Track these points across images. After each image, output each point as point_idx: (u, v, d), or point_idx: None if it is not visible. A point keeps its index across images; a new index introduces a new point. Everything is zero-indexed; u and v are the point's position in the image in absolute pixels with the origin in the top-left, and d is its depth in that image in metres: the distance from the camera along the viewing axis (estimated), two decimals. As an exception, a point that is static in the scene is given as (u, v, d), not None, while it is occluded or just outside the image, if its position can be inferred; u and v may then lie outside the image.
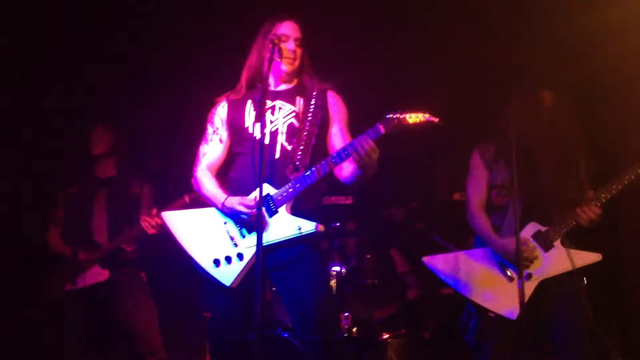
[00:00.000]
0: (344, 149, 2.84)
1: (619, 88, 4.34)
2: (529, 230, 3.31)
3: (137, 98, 4.95)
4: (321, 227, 2.86)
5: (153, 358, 4.08)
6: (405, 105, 2.80)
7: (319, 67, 3.20)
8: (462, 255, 3.44)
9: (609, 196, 3.25)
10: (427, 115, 2.74)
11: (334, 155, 2.87)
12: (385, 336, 4.12)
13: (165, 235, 3.15)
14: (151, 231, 4.00)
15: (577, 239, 3.36)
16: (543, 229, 3.32)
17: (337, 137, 3.08)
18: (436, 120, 2.75)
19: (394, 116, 2.75)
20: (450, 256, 3.45)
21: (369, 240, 4.88)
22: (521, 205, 3.17)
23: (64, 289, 4.11)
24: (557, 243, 3.28)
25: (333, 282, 4.27)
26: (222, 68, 3.50)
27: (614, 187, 3.26)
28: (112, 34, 4.70)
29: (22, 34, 4.59)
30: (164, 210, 3.47)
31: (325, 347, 2.88)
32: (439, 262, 3.42)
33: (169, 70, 4.90)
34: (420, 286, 4.74)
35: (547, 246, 3.29)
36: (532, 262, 3.25)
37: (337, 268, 4.35)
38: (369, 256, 4.45)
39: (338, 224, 4.53)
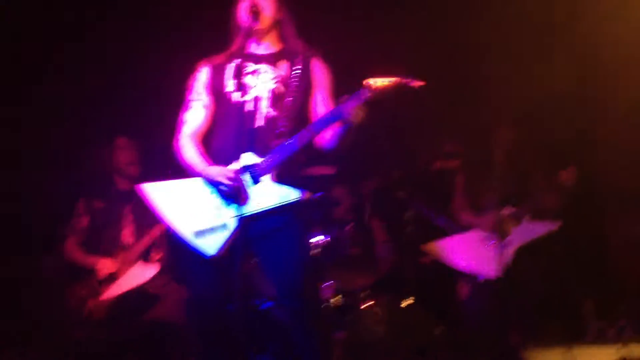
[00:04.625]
0: (326, 115, 2.81)
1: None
2: (506, 210, 4.13)
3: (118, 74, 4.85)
4: (307, 195, 2.84)
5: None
6: (384, 71, 2.76)
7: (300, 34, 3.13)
8: (455, 239, 4.25)
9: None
10: (408, 79, 2.71)
11: (317, 122, 2.83)
12: (368, 304, 4.15)
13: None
14: None
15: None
16: (515, 209, 4.14)
17: (320, 105, 3.04)
18: (418, 83, 2.72)
19: (376, 82, 2.72)
20: (446, 241, 4.24)
21: (351, 210, 4.87)
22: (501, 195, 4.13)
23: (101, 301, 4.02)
24: (526, 218, 4.08)
25: (315, 251, 4.27)
26: (205, 32, 3.42)
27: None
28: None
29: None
30: None
31: (310, 315, 2.89)
32: (439, 248, 4.24)
33: (148, 40, 4.80)
34: (394, 256, 4.77)
35: (518, 221, 4.12)
36: (507, 233, 4.07)
37: (319, 237, 4.34)
38: (350, 226, 4.45)
39: (321, 194, 4.51)
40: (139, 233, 4.23)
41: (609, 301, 4.54)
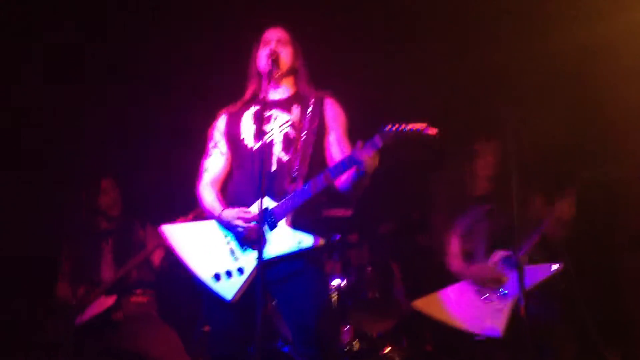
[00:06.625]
0: (340, 163, 2.81)
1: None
2: (497, 256, 3.79)
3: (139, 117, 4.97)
4: (321, 241, 2.84)
5: None
6: (401, 115, 2.76)
7: (315, 77, 3.20)
8: (447, 292, 3.87)
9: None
10: (425, 127, 2.69)
11: (331, 168, 2.84)
12: (387, 349, 4.10)
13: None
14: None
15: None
16: (508, 253, 3.74)
17: (335, 146, 3.06)
18: (434, 132, 2.69)
19: (392, 128, 2.70)
20: (437, 295, 3.87)
21: (370, 252, 4.85)
22: (489, 237, 3.80)
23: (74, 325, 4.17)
24: (524, 261, 3.57)
25: (334, 295, 4.24)
26: (226, 81, 3.50)
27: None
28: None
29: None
30: None
31: (326, 361, 2.86)
32: (426, 304, 3.88)
33: (170, 85, 4.90)
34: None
35: (514, 267, 3.58)
36: (502, 283, 3.70)
37: (337, 281, 4.32)
38: (369, 269, 4.42)
39: (339, 237, 4.51)
40: (118, 269, 4.36)
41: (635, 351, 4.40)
